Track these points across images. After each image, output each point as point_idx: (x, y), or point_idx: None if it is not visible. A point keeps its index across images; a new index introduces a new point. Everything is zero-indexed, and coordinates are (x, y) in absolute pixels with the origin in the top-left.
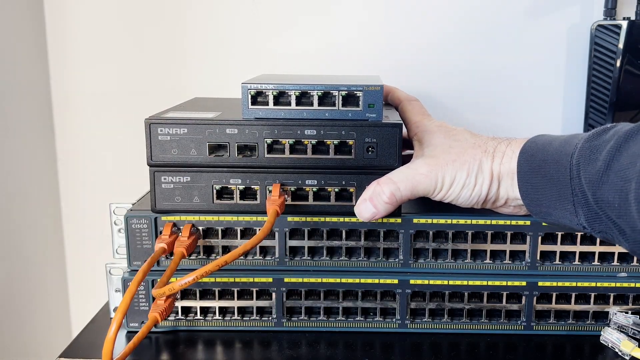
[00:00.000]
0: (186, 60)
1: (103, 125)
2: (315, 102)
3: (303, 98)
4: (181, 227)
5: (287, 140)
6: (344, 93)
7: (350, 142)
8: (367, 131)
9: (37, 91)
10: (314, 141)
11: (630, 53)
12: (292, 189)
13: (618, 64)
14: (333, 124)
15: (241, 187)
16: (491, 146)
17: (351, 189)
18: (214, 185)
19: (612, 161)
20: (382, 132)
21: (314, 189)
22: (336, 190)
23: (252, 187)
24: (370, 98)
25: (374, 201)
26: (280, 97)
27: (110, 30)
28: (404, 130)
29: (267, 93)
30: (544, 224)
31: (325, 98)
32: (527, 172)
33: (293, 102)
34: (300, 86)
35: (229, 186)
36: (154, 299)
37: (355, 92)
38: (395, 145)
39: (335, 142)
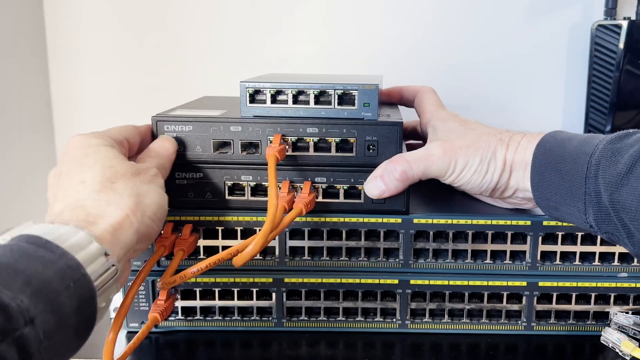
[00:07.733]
0: (192, 60)
1: (103, 125)
2: (312, 100)
3: (300, 97)
4: (181, 227)
5: (290, 138)
6: (339, 92)
7: (352, 140)
8: (367, 129)
9: (38, 91)
10: (315, 139)
11: (631, 53)
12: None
13: (619, 64)
14: (334, 122)
15: (252, 183)
16: (506, 136)
17: (346, 186)
18: (226, 182)
19: (634, 165)
20: (383, 131)
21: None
22: (336, 188)
23: (263, 183)
24: (365, 97)
25: (384, 178)
26: (278, 96)
27: (111, 29)
28: (416, 121)
29: (264, 91)
30: (544, 223)
31: (322, 97)
32: (541, 165)
33: (290, 100)
34: (296, 85)
35: (241, 182)
36: (154, 299)
37: (350, 91)
38: (396, 143)
39: (337, 139)
